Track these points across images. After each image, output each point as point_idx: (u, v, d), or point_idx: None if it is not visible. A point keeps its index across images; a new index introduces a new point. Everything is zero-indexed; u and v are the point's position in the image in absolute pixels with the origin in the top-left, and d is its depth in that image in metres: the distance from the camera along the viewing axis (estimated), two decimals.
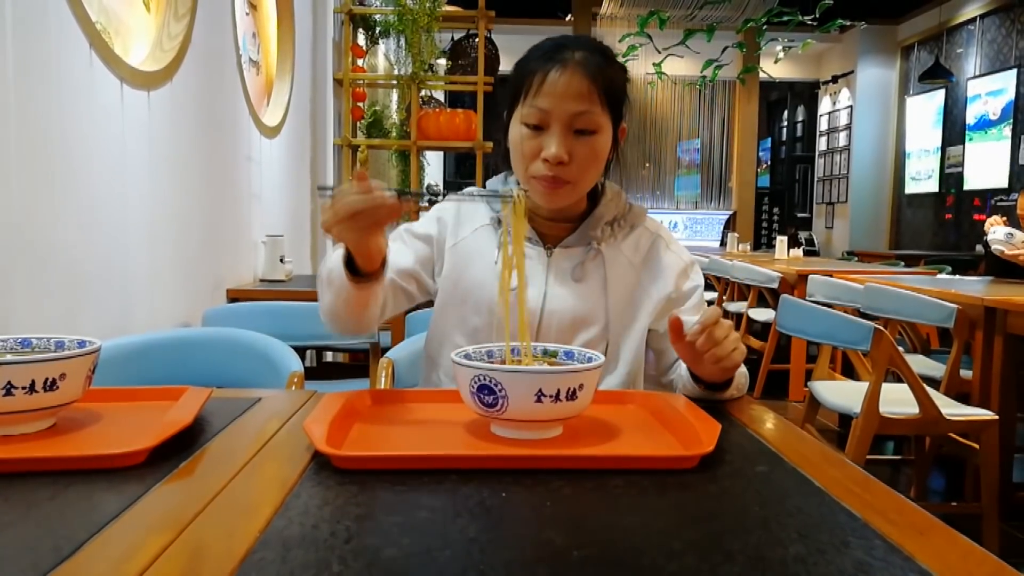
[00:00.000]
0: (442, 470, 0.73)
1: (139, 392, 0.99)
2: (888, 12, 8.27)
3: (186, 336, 1.58)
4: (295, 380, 1.36)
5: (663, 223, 1.30)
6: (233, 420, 0.91)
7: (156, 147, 2.21)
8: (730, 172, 9.51)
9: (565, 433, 0.85)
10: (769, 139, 11.51)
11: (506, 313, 0.96)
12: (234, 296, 2.77)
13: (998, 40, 6.90)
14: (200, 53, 2.49)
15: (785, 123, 11.51)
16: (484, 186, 1.31)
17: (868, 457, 2.22)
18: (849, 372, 3.01)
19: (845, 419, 2.89)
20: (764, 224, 10.83)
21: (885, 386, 2.14)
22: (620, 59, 1.18)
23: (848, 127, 8.89)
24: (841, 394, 2.36)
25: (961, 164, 7.29)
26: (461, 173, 11.00)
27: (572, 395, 0.79)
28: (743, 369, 1.08)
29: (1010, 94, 6.61)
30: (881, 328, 2.11)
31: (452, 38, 4.89)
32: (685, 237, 9.45)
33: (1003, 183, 6.62)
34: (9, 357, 0.85)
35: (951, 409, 2.21)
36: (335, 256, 1.07)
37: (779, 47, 7.30)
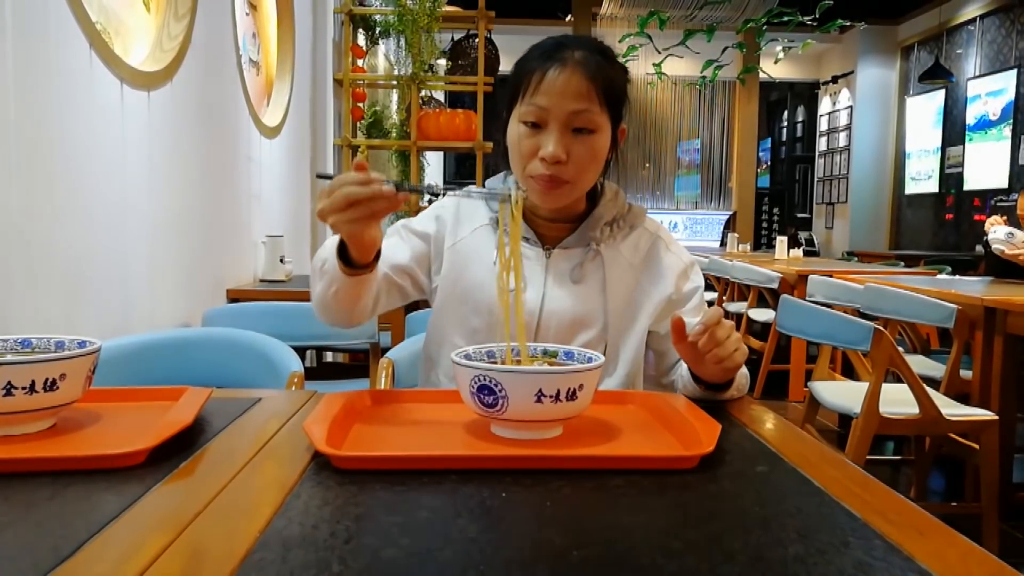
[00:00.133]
0: (442, 470, 0.73)
1: (139, 392, 0.99)
2: (888, 12, 8.28)
3: (186, 336, 1.58)
4: (295, 380, 1.36)
5: (663, 223, 1.30)
6: (233, 420, 0.91)
7: (156, 147, 2.21)
8: (730, 172, 9.51)
9: (565, 433, 0.85)
10: (769, 139, 11.51)
11: (506, 315, 0.96)
12: (234, 296, 2.77)
13: (998, 40, 6.90)
14: (200, 53, 2.49)
15: (785, 123, 11.51)
16: (483, 186, 1.30)
17: (868, 457, 2.22)
18: (849, 372, 3.01)
19: (845, 419, 2.89)
20: (764, 224, 10.83)
21: (885, 386, 2.14)
22: (620, 59, 1.18)
23: (848, 127, 8.89)
24: (841, 394, 2.36)
25: (961, 164, 7.29)
26: (461, 173, 11.00)
27: (572, 395, 0.79)
28: (744, 370, 1.08)
29: (1010, 94, 6.61)
30: (881, 328, 2.11)
31: (452, 38, 4.89)
32: (685, 237, 9.45)
33: (1003, 183, 6.62)
34: (9, 357, 0.85)
35: (951, 409, 2.21)
36: (329, 245, 1.07)
37: (779, 47, 7.30)
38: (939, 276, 4.03)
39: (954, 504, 2.69)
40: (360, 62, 4.46)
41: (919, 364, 2.86)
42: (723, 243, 8.62)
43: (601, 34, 8.08)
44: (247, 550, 0.55)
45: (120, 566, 0.53)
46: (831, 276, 3.42)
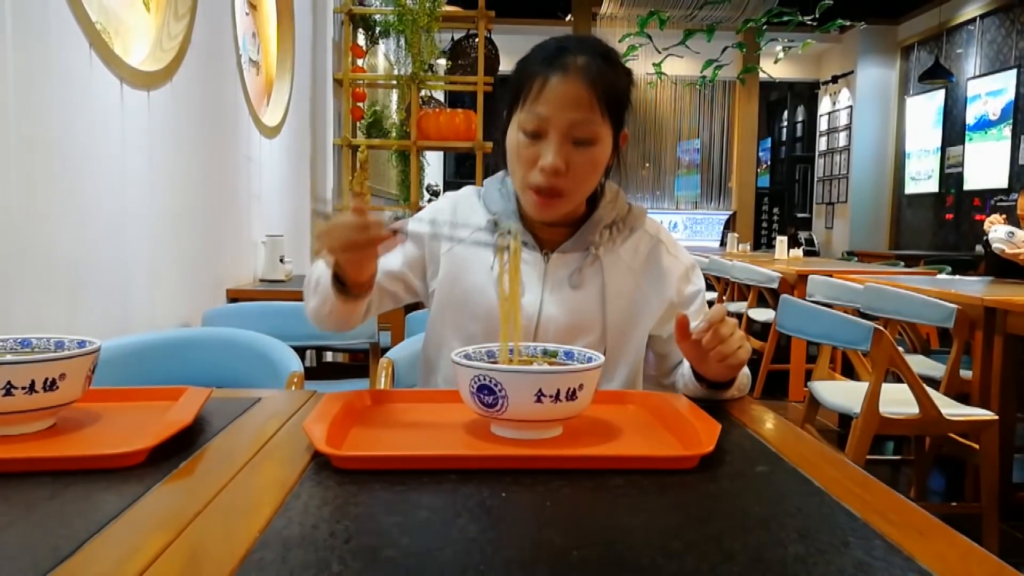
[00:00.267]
0: (442, 470, 0.73)
1: (139, 392, 0.99)
2: (888, 12, 8.28)
3: (186, 336, 1.58)
4: (295, 380, 1.36)
5: (663, 224, 1.28)
6: (233, 420, 0.91)
7: (156, 147, 2.21)
8: (730, 172, 9.51)
9: (565, 433, 0.85)
10: (769, 139, 11.51)
11: (503, 323, 0.95)
12: (234, 296, 2.77)
13: (998, 40, 6.90)
14: (200, 53, 2.49)
15: (785, 123, 11.51)
16: (482, 185, 1.29)
17: (868, 457, 2.22)
18: (849, 372, 3.01)
19: (845, 419, 2.89)
20: (764, 224, 10.83)
21: (885, 386, 2.14)
22: (621, 58, 1.16)
23: (848, 127, 8.89)
24: (841, 394, 2.36)
25: (961, 164, 7.29)
26: (461, 173, 11.00)
27: (572, 395, 0.79)
28: (745, 369, 1.08)
29: (1010, 94, 6.61)
30: (881, 328, 2.11)
31: (452, 38, 4.89)
32: (685, 237, 9.45)
33: (1003, 183, 6.62)
34: (9, 357, 0.85)
35: (951, 409, 2.21)
36: (322, 266, 1.08)
37: (779, 47, 7.30)
38: (939, 276, 4.03)
39: (954, 504, 2.69)
40: (360, 62, 4.46)
41: (919, 364, 2.86)
42: (723, 243, 8.62)
43: (601, 34, 8.08)
44: (247, 550, 0.55)
45: (120, 566, 0.53)
46: (831, 276, 3.42)
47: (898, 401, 2.18)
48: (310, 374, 1.49)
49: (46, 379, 0.77)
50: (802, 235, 9.43)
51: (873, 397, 2.12)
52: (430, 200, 6.39)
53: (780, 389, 4.31)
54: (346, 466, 0.73)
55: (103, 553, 0.55)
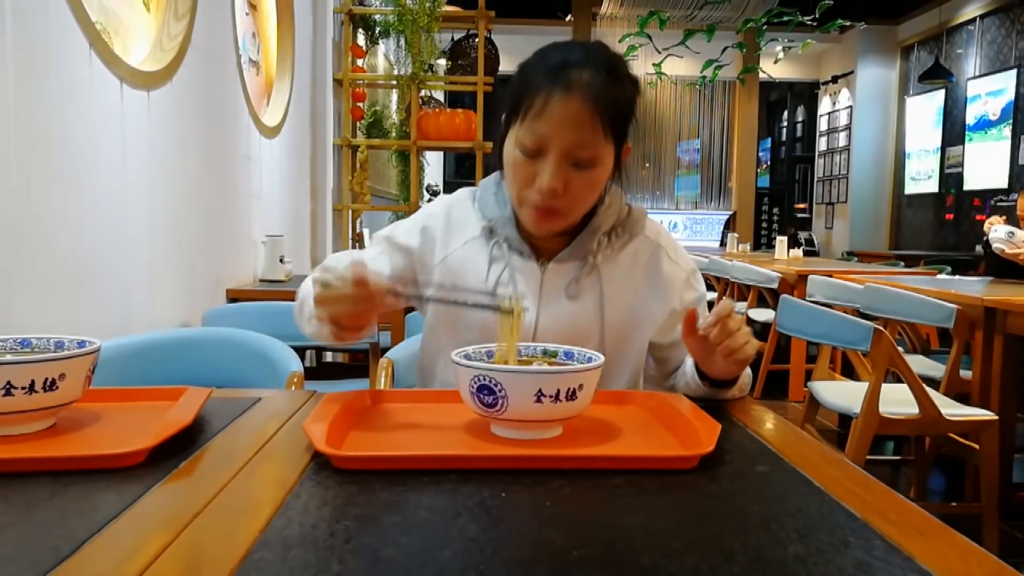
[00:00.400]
0: (442, 470, 0.73)
1: (139, 392, 0.99)
2: (888, 12, 8.28)
3: (186, 336, 1.58)
4: (295, 380, 1.36)
5: (663, 224, 1.25)
6: (233, 420, 0.91)
7: (156, 147, 2.21)
8: (730, 172, 9.51)
9: (565, 433, 0.85)
10: (769, 139, 11.51)
11: (501, 333, 0.94)
12: (234, 296, 2.77)
13: (998, 40, 6.90)
14: (200, 53, 2.49)
15: (785, 123, 11.51)
16: (477, 185, 1.25)
17: (868, 457, 2.22)
18: (849, 372, 3.01)
19: (845, 419, 2.89)
20: (764, 224, 10.83)
21: (885, 386, 2.14)
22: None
23: (848, 127, 8.90)
24: (841, 394, 2.36)
25: (961, 164, 7.29)
26: (461, 173, 11.00)
27: (572, 395, 0.79)
28: (747, 369, 1.07)
29: (1010, 94, 6.61)
30: (881, 328, 2.11)
31: (452, 38, 4.89)
32: (685, 237, 9.46)
33: (1003, 183, 6.62)
34: (9, 357, 0.85)
35: (951, 409, 2.21)
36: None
37: (779, 47, 7.30)
38: (939, 276, 4.03)
39: (954, 504, 2.69)
40: (360, 62, 4.46)
41: (919, 364, 2.86)
42: (723, 243, 8.62)
43: (601, 34, 8.08)
44: (247, 550, 0.55)
45: (120, 566, 0.53)
46: (831, 276, 3.42)
47: (898, 401, 2.18)
48: (310, 374, 1.49)
49: (46, 379, 0.77)
50: (802, 235, 9.43)
51: (873, 397, 2.12)
52: (430, 200, 6.39)
53: (780, 389, 4.31)
54: (346, 466, 0.73)
55: (103, 553, 0.55)
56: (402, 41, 4.30)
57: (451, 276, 1.16)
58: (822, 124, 9.63)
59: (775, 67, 7.77)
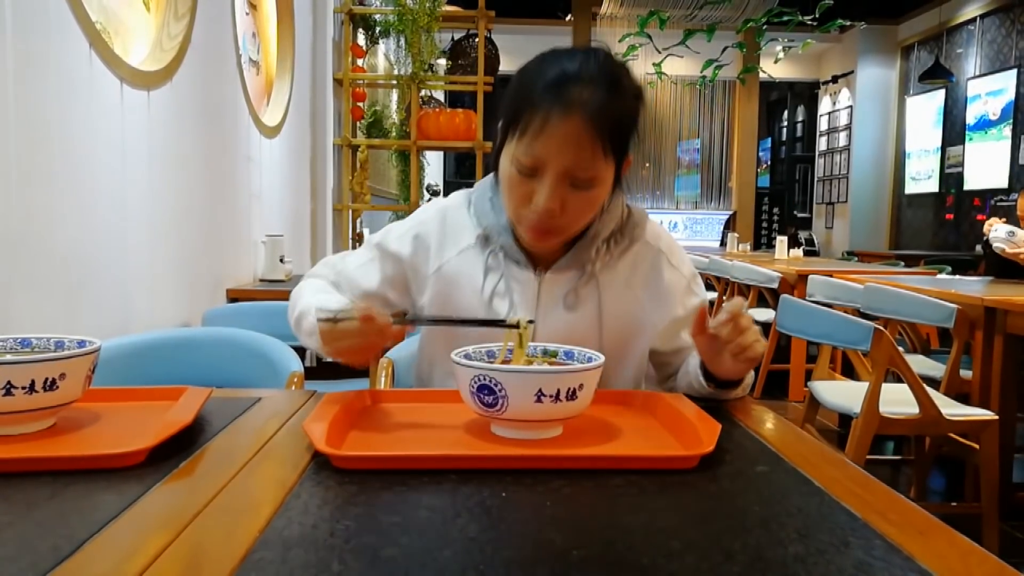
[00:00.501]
0: (442, 470, 0.73)
1: (139, 392, 0.99)
2: (888, 12, 8.28)
3: (186, 336, 1.58)
4: (295, 380, 1.36)
5: (663, 224, 1.22)
6: (233, 420, 0.91)
7: (156, 147, 2.21)
8: (730, 172, 9.51)
9: (565, 433, 0.85)
10: (769, 139, 11.51)
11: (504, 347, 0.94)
12: (234, 296, 2.77)
13: (998, 40, 6.90)
14: (200, 53, 2.49)
15: (785, 123, 11.51)
16: (472, 186, 1.22)
17: (868, 457, 2.21)
18: (849, 372, 3.01)
19: (845, 419, 2.89)
20: (764, 224, 10.83)
21: (885, 386, 2.13)
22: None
23: (848, 127, 8.90)
24: (841, 394, 2.36)
25: (961, 164, 7.29)
26: (461, 173, 11.00)
27: (572, 395, 0.79)
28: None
29: (1010, 94, 6.61)
30: (881, 328, 2.11)
31: (452, 38, 4.89)
32: (685, 237, 9.46)
33: (1003, 183, 6.62)
34: (9, 357, 0.85)
35: (951, 409, 2.21)
36: (314, 315, 1.02)
37: (779, 47, 7.30)
38: (939, 276, 4.03)
39: (954, 504, 2.69)
40: (360, 62, 4.46)
41: (919, 364, 2.86)
42: (723, 243, 8.62)
43: (601, 34, 8.08)
44: (247, 550, 0.55)
45: (120, 566, 0.53)
46: (831, 276, 3.42)
47: (898, 401, 2.18)
48: (310, 374, 1.49)
49: (46, 379, 0.77)
50: (802, 235, 9.43)
51: (873, 397, 2.12)
52: (430, 200, 6.39)
53: (780, 389, 4.31)
54: (346, 466, 0.73)
55: (103, 553, 0.55)
56: (402, 41, 4.30)
57: (446, 287, 1.12)
58: (822, 124, 9.63)
59: (775, 67, 7.77)
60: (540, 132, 0.97)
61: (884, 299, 2.74)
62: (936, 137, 7.76)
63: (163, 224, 2.28)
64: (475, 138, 4.23)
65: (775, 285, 4.29)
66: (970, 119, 7.16)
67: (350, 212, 4.40)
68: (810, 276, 3.47)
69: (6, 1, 1.52)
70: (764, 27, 6.65)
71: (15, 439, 0.79)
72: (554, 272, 1.11)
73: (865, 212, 8.77)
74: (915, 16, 8.13)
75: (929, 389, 2.18)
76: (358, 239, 4.32)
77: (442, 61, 5.04)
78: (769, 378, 4.25)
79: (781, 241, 5.85)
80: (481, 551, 0.56)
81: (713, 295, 5.28)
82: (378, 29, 4.64)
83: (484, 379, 0.79)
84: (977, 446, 2.22)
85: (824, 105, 9.55)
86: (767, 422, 0.96)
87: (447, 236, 1.15)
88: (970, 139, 7.16)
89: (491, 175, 1.14)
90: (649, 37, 6.66)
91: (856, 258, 6.48)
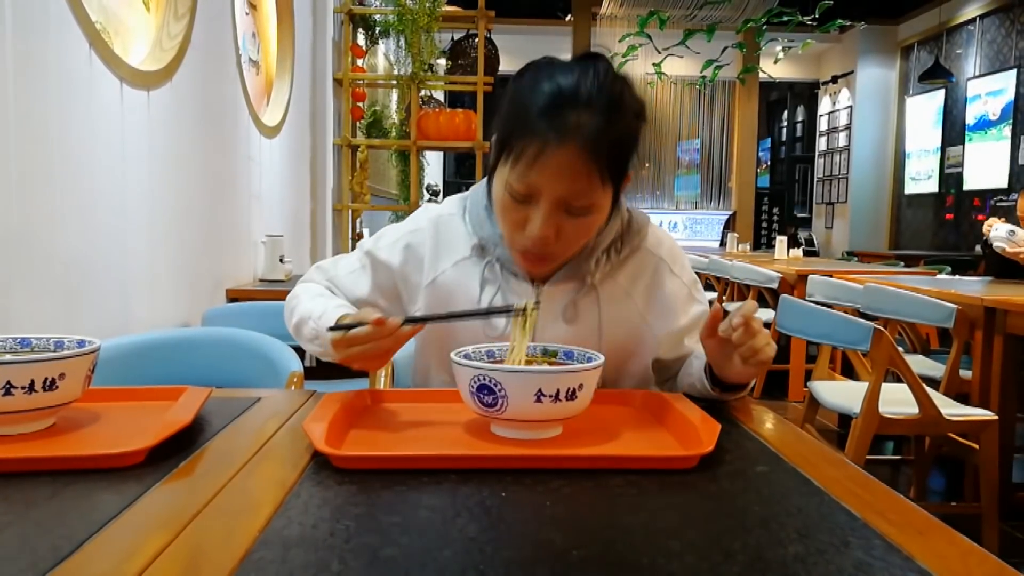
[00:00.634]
0: (442, 470, 0.73)
1: (138, 392, 0.99)
2: (888, 12, 8.28)
3: (186, 336, 1.58)
4: (295, 380, 1.36)
5: (664, 227, 1.20)
6: (233, 420, 0.91)
7: (156, 147, 2.21)
8: (730, 172, 9.51)
9: (565, 433, 0.85)
10: (769, 139, 11.51)
11: (513, 333, 0.93)
12: (234, 296, 2.77)
13: (998, 40, 6.90)
14: (200, 53, 2.49)
15: (785, 123, 11.51)
16: (467, 190, 1.19)
17: (868, 457, 2.21)
18: (849, 372, 3.01)
19: (845, 419, 2.89)
20: (764, 224, 10.83)
21: (885, 386, 2.13)
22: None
23: (848, 127, 8.90)
24: (841, 394, 2.36)
25: (961, 164, 7.29)
26: (461, 173, 11.00)
27: (572, 395, 0.79)
28: None
29: (1010, 94, 6.61)
30: (881, 328, 2.11)
31: (452, 38, 4.90)
32: (685, 237, 9.46)
33: (1003, 183, 6.62)
34: (8, 357, 0.85)
35: (951, 409, 2.21)
36: (318, 315, 1.01)
37: (779, 47, 7.31)
38: (939, 276, 4.03)
39: (954, 504, 2.69)
40: (360, 62, 4.46)
41: (919, 364, 2.86)
42: (723, 243, 8.63)
43: (601, 33, 8.08)
44: (247, 550, 0.55)
45: (120, 565, 0.53)
46: (831, 276, 3.42)
47: (898, 401, 2.18)
48: (310, 374, 1.49)
49: (46, 379, 0.77)
50: (802, 235, 9.43)
51: (873, 397, 2.12)
52: (430, 200, 6.39)
53: (780, 389, 4.31)
54: (346, 466, 0.73)
55: (103, 553, 0.55)
56: (402, 41, 4.30)
57: (441, 299, 1.10)
58: (822, 124, 9.63)
59: (775, 67, 7.78)
60: (534, 161, 0.92)
61: (884, 299, 2.74)
62: (936, 137, 7.76)
63: (163, 224, 2.28)
64: (475, 138, 4.23)
65: (775, 285, 4.29)
66: (970, 119, 7.16)
67: (350, 212, 4.40)
68: (810, 276, 3.47)
69: (6, 1, 1.52)
70: (764, 27, 6.65)
71: (15, 439, 0.79)
72: (552, 284, 1.08)
73: (865, 212, 8.77)
74: (915, 16, 8.13)
75: (929, 389, 2.18)
76: (358, 239, 4.32)
77: (442, 61, 5.04)
78: (769, 378, 4.25)
79: (781, 241, 5.85)
80: (481, 551, 0.56)
81: (712, 295, 5.29)
82: (378, 29, 4.64)
83: (484, 379, 0.79)
84: (977, 446, 2.22)
85: (824, 105, 9.56)
86: (767, 422, 0.96)
87: (441, 246, 1.12)
88: (970, 139, 7.17)
89: (486, 180, 1.11)
90: (649, 37, 6.66)
91: (856, 258, 6.48)
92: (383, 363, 0.96)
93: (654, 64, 7.19)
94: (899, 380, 2.19)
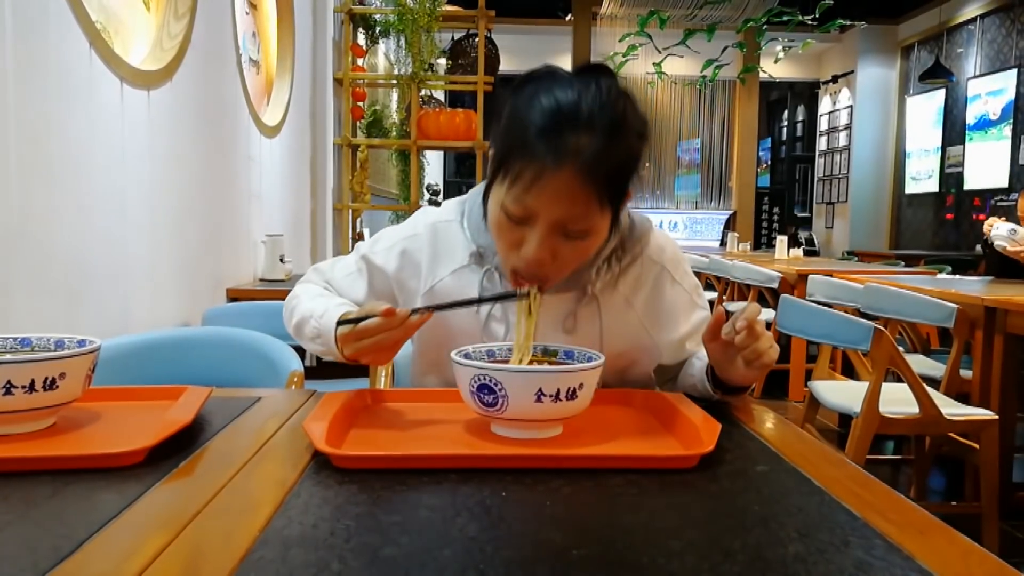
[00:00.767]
0: (442, 469, 0.73)
1: (139, 391, 0.99)
2: (888, 12, 8.28)
3: (186, 335, 1.58)
4: (295, 379, 1.36)
5: (664, 227, 1.20)
6: (233, 419, 0.91)
7: (156, 146, 2.21)
8: (730, 172, 9.51)
9: (565, 432, 0.85)
10: (769, 139, 11.51)
11: (518, 322, 0.94)
12: (234, 296, 2.77)
13: (998, 40, 6.90)
14: (200, 52, 2.49)
15: (785, 123, 11.51)
16: (479, 183, 1.17)
17: (868, 457, 2.21)
18: (849, 372, 3.01)
19: (845, 419, 2.89)
20: (764, 224, 10.83)
21: (885, 386, 2.13)
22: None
23: (848, 127, 8.90)
24: (841, 394, 2.36)
25: (961, 164, 7.29)
26: (461, 173, 11.01)
27: (572, 394, 0.79)
28: None
29: (1010, 94, 6.61)
30: (881, 328, 2.11)
31: (452, 38, 4.89)
32: (685, 237, 9.46)
33: (1003, 183, 6.62)
34: (9, 356, 0.85)
35: (951, 409, 2.21)
36: (320, 314, 1.01)
37: (779, 47, 7.31)
38: (939, 276, 4.03)
39: (954, 504, 2.69)
40: (360, 61, 4.46)
41: (919, 364, 2.86)
42: (723, 243, 8.62)
43: (601, 33, 8.08)
44: (247, 549, 0.55)
45: (120, 565, 0.53)
46: (831, 276, 3.42)
47: (898, 401, 2.18)
48: (310, 373, 1.49)
49: (46, 378, 0.77)
50: (802, 235, 9.43)
51: (873, 397, 2.12)
52: (430, 200, 6.39)
53: (780, 389, 4.31)
54: (346, 465, 0.73)
55: (103, 552, 0.55)
56: (402, 40, 4.30)
57: None
58: (822, 124, 9.63)
59: (775, 67, 7.78)
60: (531, 185, 0.88)
61: (884, 299, 2.74)
62: (936, 137, 7.76)
63: (163, 224, 2.28)
64: (475, 138, 4.23)
65: (775, 285, 4.29)
66: (970, 119, 7.16)
67: (350, 212, 4.40)
68: (810, 276, 3.47)
69: (6, 1, 1.52)
70: (764, 27, 6.65)
71: (15, 438, 0.79)
72: (552, 294, 1.04)
73: (865, 212, 8.77)
74: (915, 16, 8.13)
75: (929, 389, 2.18)
76: (358, 238, 4.32)
77: (442, 61, 5.04)
78: (769, 378, 4.25)
79: (781, 241, 5.86)
80: (481, 550, 0.56)
81: (713, 295, 5.29)
82: (378, 29, 4.64)
83: (484, 379, 0.79)
84: (977, 446, 2.22)
85: (824, 105, 9.56)
86: (767, 422, 0.96)
87: (439, 253, 1.10)
88: (970, 139, 7.16)
89: (484, 184, 1.08)
90: (649, 37, 6.67)
91: (856, 258, 6.48)
92: (392, 355, 0.95)
93: (654, 64, 7.19)
94: (899, 380, 2.19)
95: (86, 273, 1.85)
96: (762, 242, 10.35)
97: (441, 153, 8.75)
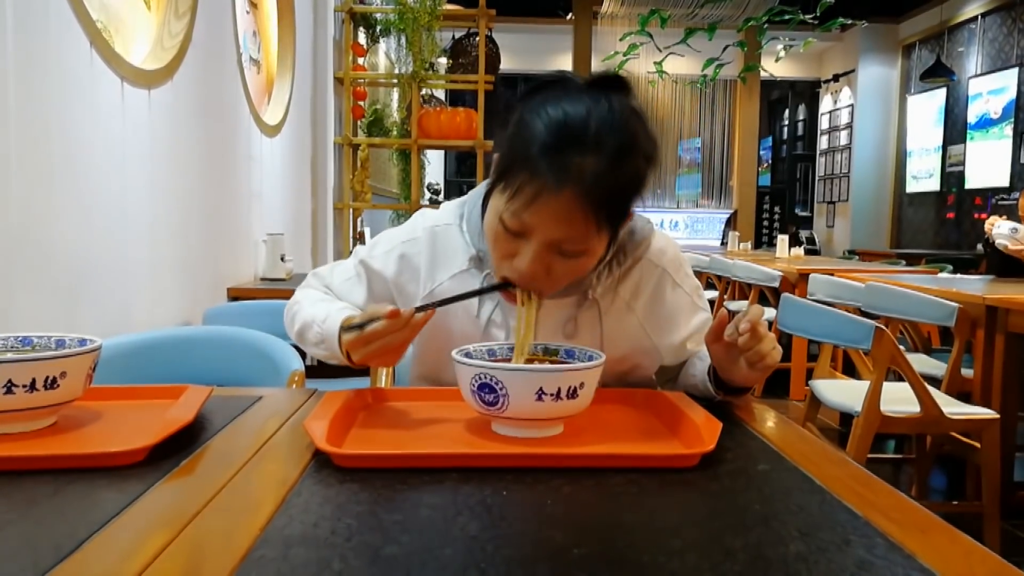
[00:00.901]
0: (443, 468, 0.73)
1: (140, 390, 0.99)
2: (889, 11, 8.27)
3: (187, 335, 1.58)
4: (296, 378, 1.36)
5: (665, 226, 1.18)
6: (234, 418, 0.91)
7: (157, 146, 2.21)
8: (731, 171, 9.50)
9: (566, 431, 0.85)
10: (770, 138, 11.49)
11: (517, 321, 0.94)
12: (235, 295, 2.77)
13: (999, 39, 6.89)
14: (201, 51, 2.49)
15: (786, 122, 11.49)
16: (480, 182, 1.17)
17: (869, 456, 2.21)
18: (850, 371, 3.01)
19: (846, 418, 2.89)
20: (765, 223, 10.82)
21: (886, 385, 2.13)
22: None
23: (849, 126, 8.89)
24: (842, 393, 2.36)
25: (962, 163, 7.28)
26: (462, 172, 11.00)
27: (573, 393, 0.79)
28: None
29: (1011, 93, 6.60)
30: (882, 327, 2.11)
31: (453, 37, 4.89)
32: (686, 236, 9.46)
33: (1004, 182, 6.61)
34: (10, 355, 0.85)
35: (952, 408, 2.21)
36: (322, 318, 1.01)
37: (780, 46, 7.31)
38: (940, 275, 4.03)
39: (955, 503, 2.69)
40: (361, 60, 4.46)
41: (920, 363, 2.86)
42: (724, 242, 8.62)
43: (602, 32, 8.08)
44: (248, 548, 0.55)
45: (121, 564, 0.53)
46: (832, 275, 3.42)
47: (899, 400, 2.18)
48: (311, 372, 1.49)
49: (47, 377, 0.77)
50: (803, 234, 9.42)
51: (874, 396, 2.12)
52: (431, 199, 6.39)
53: (781, 388, 4.31)
54: (347, 464, 0.73)
55: (104, 551, 0.55)
56: (403, 39, 4.30)
57: (439, 314, 1.03)
58: (823, 123, 9.62)
59: (776, 66, 7.77)
60: (530, 202, 0.87)
61: (885, 298, 2.74)
62: (937, 136, 7.75)
63: (164, 223, 2.28)
64: (476, 137, 4.23)
65: (776, 284, 4.28)
66: (971, 118, 7.15)
67: (351, 211, 4.40)
68: (811, 275, 3.46)
69: (7, 0, 1.52)
70: (765, 26, 6.65)
71: (16, 437, 0.79)
72: (552, 299, 1.04)
73: (866, 211, 8.76)
74: (916, 15, 8.12)
75: (930, 388, 2.18)
76: (359, 238, 4.32)
77: (443, 60, 5.04)
78: (770, 377, 4.23)
79: (782, 240, 5.85)
80: (482, 549, 0.56)
81: (714, 294, 5.29)
82: (379, 28, 4.64)
83: (485, 378, 0.79)
84: (978, 445, 2.22)
85: (825, 104, 9.55)
86: (768, 421, 0.96)
87: (438, 258, 1.09)
88: (971, 138, 7.16)
89: (484, 185, 1.07)
90: (650, 36, 6.66)
91: (857, 257, 6.48)
92: (400, 356, 0.94)
93: (655, 63, 7.19)
94: (900, 379, 2.19)
95: (87, 272, 1.85)
96: (763, 241, 10.34)
97: (442, 152, 8.75)
